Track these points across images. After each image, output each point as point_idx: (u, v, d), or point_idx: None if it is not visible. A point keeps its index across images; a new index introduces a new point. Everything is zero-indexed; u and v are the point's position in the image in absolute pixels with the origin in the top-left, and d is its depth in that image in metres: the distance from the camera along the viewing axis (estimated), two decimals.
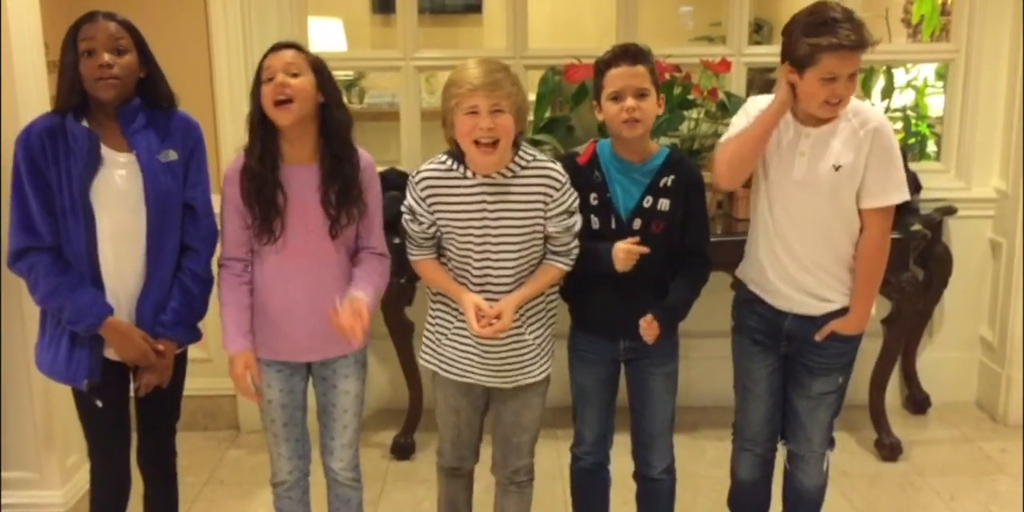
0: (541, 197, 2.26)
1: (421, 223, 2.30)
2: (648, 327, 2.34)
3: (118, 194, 2.22)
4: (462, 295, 2.30)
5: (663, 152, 2.37)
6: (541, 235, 2.30)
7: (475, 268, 2.29)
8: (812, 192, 2.31)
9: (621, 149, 2.35)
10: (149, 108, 2.27)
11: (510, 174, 2.25)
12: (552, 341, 2.42)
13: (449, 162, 2.28)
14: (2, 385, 2.81)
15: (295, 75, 2.18)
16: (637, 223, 2.34)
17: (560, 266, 2.34)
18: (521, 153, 2.27)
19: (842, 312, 2.40)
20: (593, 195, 2.35)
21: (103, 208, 2.21)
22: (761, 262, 2.42)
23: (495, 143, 2.17)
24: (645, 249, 2.29)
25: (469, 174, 2.25)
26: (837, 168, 2.28)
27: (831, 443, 2.56)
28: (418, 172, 2.31)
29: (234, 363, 2.31)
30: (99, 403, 2.28)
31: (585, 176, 2.35)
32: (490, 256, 2.28)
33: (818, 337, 2.40)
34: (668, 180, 2.34)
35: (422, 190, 2.28)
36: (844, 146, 2.28)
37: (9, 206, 2.22)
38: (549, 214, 2.28)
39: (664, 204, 2.34)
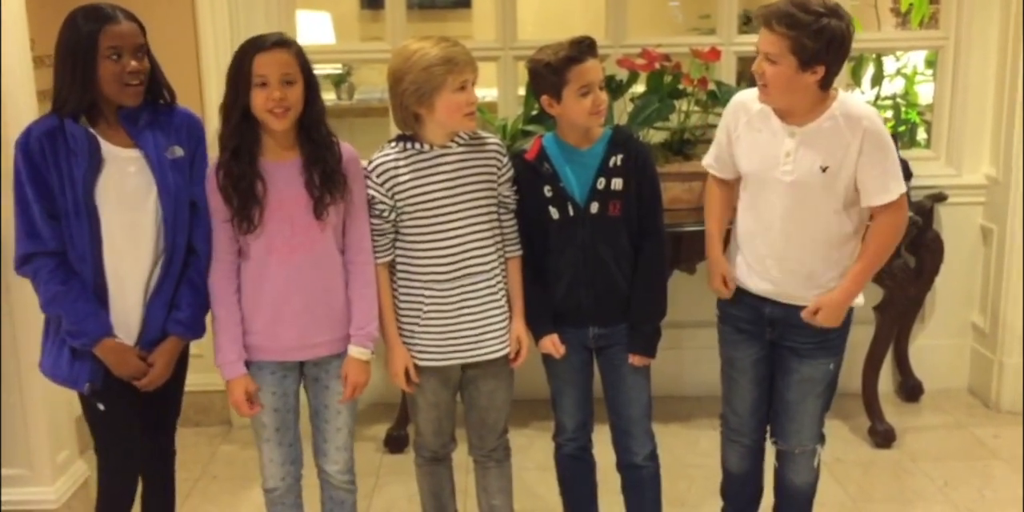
0: (494, 162, 2.34)
1: (380, 211, 2.29)
2: (639, 362, 2.42)
3: (125, 192, 2.18)
4: (394, 349, 2.35)
5: (607, 133, 2.39)
6: (496, 202, 2.35)
7: (449, 245, 2.29)
8: (797, 191, 2.28)
9: (572, 138, 2.37)
10: (150, 103, 2.22)
11: (462, 141, 2.32)
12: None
13: (400, 145, 2.31)
14: None
15: (290, 83, 2.13)
16: (594, 207, 2.35)
17: (519, 253, 2.41)
18: None
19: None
20: (547, 187, 2.37)
21: (109, 208, 2.16)
22: (743, 256, 2.41)
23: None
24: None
25: (426, 147, 2.29)
26: (824, 169, 2.25)
27: (821, 439, 2.52)
28: (371, 162, 2.31)
29: (234, 389, 2.26)
30: (101, 406, 2.25)
31: (535, 171, 2.38)
32: (462, 225, 2.29)
33: (804, 315, 2.35)
34: (617, 159, 2.35)
35: (379, 176, 2.29)
36: (831, 146, 2.24)
37: (12, 210, 2.18)
38: (501, 180, 2.35)
39: (617, 184, 2.34)
